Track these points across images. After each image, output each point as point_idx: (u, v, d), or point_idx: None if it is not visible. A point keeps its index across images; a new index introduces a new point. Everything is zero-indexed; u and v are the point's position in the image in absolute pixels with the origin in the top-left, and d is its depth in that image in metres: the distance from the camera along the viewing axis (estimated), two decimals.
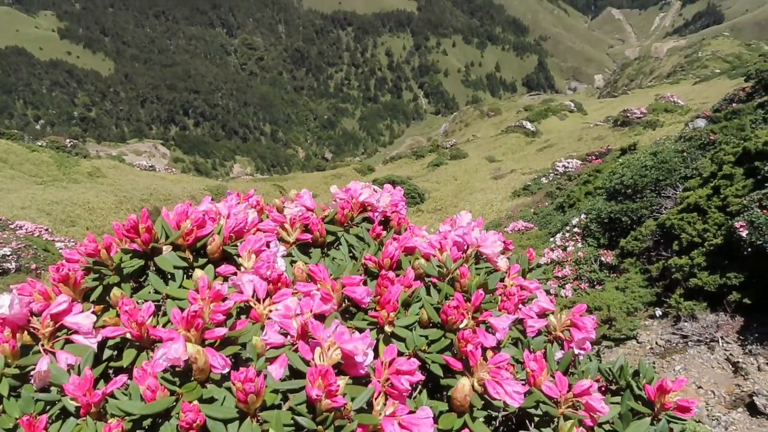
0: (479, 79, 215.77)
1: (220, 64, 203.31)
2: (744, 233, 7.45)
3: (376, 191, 1.82)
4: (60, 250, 19.64)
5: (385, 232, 1.68)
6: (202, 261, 1.54)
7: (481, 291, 1.49)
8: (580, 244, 12.51)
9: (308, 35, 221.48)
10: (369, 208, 1.77)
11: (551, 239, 13.93)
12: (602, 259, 11.17)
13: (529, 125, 54.16)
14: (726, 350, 7.37)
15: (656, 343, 8.27)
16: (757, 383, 6.58)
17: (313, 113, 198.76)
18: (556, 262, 12.01)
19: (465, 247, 1.60)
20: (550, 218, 16.68)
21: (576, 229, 12.95)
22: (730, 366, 7.11)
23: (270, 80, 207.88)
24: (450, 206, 28.91)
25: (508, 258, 1.63)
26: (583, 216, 13.07)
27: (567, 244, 12.71)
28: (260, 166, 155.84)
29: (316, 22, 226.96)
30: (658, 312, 8.93)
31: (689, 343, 7.80)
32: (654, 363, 7.84)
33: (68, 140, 42.97)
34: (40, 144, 38.70)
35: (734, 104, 14.19)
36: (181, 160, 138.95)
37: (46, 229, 20.23)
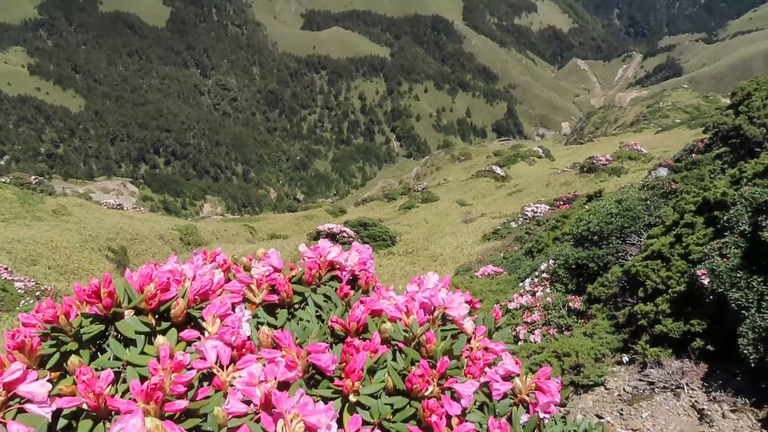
0: (450, 123, 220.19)
1: (193, 103, 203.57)
2: (706, 281, 7.62)
3: (344, 250, 1.82)
4: (19, 291, 19.02)
5: (352, 291, 1.68)
6: (165, 325, 1.50)
7: (446, 358, 1.49)
8: (548, 290, 12.62)
9: (283, 78, 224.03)
10: (337, 266, 1.77)
11: (520, 284, 14.04)
12: (570, 304, 11.27)
13: (498, 170, 55.17)
14: (691, 397, 7.44)
15: (624, 389, 8.31)
16: (722, 430, 6.63)
17: (286, 154, 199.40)
18: (526, 307, 12.07)
19: (432, 309, 1.61)
20: (520, 263, 16.85)
21: (545, 275, 13.09)
22: (696, 413, 7.16)
23: (243, 121, 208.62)
24: (421, 249, 28.99)
25: (474, 320, 1.64)
26: (551, 262, 13.23)
27: (536, 289, 12.81)
28: (231, 206, 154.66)
29: (291, 65, 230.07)
30: (626, 358, 9.00)
31: (656, 389, 7.86)
32: (622, 410, 7.86)
33: (33, 177, 42.12)
34: (3, 180, 37.79)
35: (694, 155, 14.72)
36: (150, 199, 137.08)
37: (6, 268, 19.60)
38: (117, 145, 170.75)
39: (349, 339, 1.46)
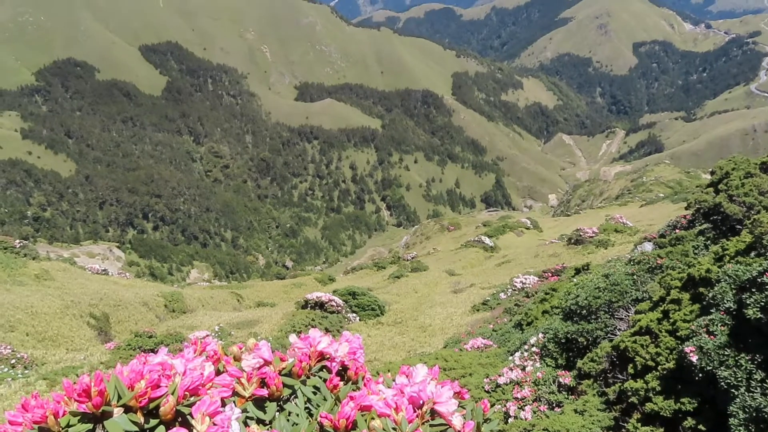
0: (440, 194, 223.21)
1: (185, 170, 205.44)
2: (694, 358, 7.59)
3: (334, 337, 1.83)
4: None
5: (342, 383, 1.68)
6: (153, 422, 1.47)
7: None
8: (538, 364, 12.47)
9: (275, 146, 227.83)
10: (327, 356, 1.78)
11: (510, 357, 13.87)
12: (561, 380, 11.11)
13: (487, 240, 55.51)
14: None
15: None
16: None
17: (276, 221, 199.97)
18: (515, 382, 11.89)
19: (421, 404, 1.61)
20: (509, 336, 16.71)
21: (534, 348, 12.97)
22: None
23: (234, 187, 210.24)
24: (410, 319, 28.69)
25: (463, 414, 1.64)
26: (540, 335, 13.14)
27: (526, 363, 12.66)
28: (218, 272, 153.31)
29: (284, 135, 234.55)
30: None
31: None
32: None
33: (18, 240, 41.70)
34: None
35: (678, 230, 14.96)
36: (137, 264, 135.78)
37: None
38: (105, 210, 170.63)
39: None
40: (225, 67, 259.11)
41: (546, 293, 17.71)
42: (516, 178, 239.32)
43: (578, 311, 11.96)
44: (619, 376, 9.68)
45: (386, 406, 1.64)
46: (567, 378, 10.97)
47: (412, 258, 57.70)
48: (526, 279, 27.81)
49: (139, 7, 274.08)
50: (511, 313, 21.47)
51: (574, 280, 16.31)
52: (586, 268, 19.69)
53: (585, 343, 11.60)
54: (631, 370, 9.13)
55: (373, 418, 1.60)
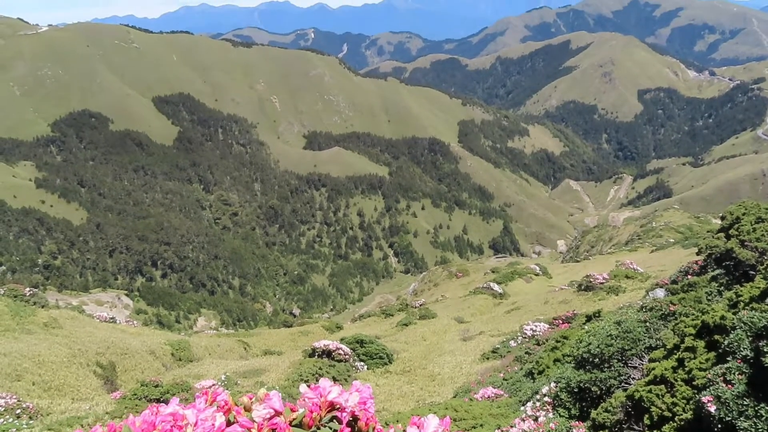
0: (447, 240, 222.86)
1: (194, 217, 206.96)
2: (712, 408, 7.40)
3: (344, 388, 1.82)
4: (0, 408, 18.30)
5: None
6: None
7: None
8: (551, 414, 12.18)
9: (283, 194, 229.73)
10: (338, 406, 1.76)
11: (522, 408, 13.56)
12: (574, 431, 10.83)
13: (496, 287, 55.05)
14: None
15: None
16: None
17: (284, 268, 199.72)
18: None
19: None
20: (520, 385, 16.38)
21: (546, 398, 12.68)
22: None
23: (243, 235, 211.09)
24: (419, 368, 28.23)
25: None
26: (552, 384, 12.88)
27: (538, 414, 12.37)
28: (225, 320, 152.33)
29: (292, 182, 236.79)
30: None
31: None
32: None
33: (28, 289, 41.80)
34: None
35: (689, 276, 14.81)
36: (144, 312, 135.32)
37: None
38: (115, 257, 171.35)
39: None
40: (235, 117, 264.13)
41: (557, 341, 17.44)
42: (524, 224, 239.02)
43: (591, 359, 11.75)
44: (635, 426, 9.42)
45: None
46: (581, 429, 10.69)
47: (420, 305, 57.20)
48: (536, 326, 27.44)
49: (154, 61, 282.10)
50: (521, 362, 21.10)
51: (586, 327, 16.08)
52: (597, 315, 19.44)
53: (598, 392, 11.35)
54: (647, 421, 8.89)
55: None
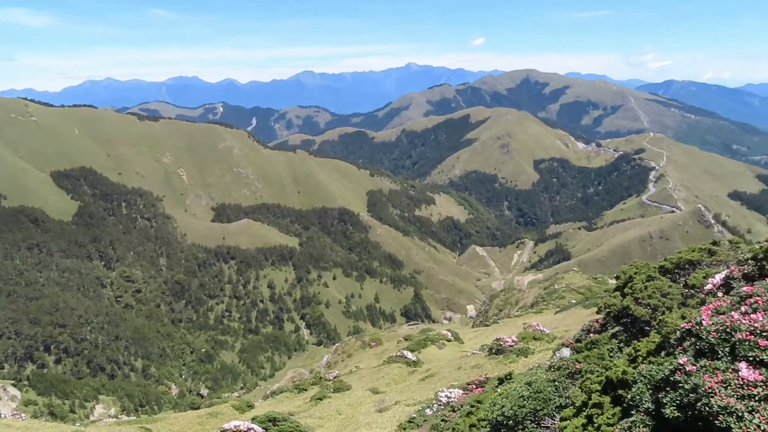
0: (360, 309, 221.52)
1: (94, 296, 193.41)
2: None
3: None
4: None
5: None
6: None
7: None
8: None
9: (190, 268, 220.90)
10: None
11: None
12: None
13: (410, 355, 54.79)
14: None
15: None
16: None
17: (191, 346, 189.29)
18: None
19: None
20: None
21: None
22: None
23: (146, 312, 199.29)
24: None
25: None
26: None
27: None
28: (126, 406, 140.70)
29: (200, 256, 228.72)
30: None
31: None
32: None
33: None
34: None
35: (592, 334, 15.46)
36: (34, 403, 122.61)
37: None
38: (2, 344, 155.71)
39: None
40: (140, 191, 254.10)
41: (471, 406, 17.43)
42: (434, 290, 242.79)
43: (505, 422, 11.79)
44: None
45: None
46: None
47: (334, 377, 55.69)
48: (450, 393, 27.37)
49: (54, 134, 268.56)
50: (438, 430, 20.84)
51: (498, 390, 16.23)
52: (509, 377, 19.71)
53: None
54: None
55: None
